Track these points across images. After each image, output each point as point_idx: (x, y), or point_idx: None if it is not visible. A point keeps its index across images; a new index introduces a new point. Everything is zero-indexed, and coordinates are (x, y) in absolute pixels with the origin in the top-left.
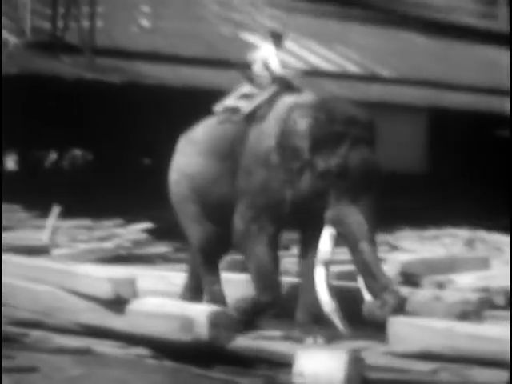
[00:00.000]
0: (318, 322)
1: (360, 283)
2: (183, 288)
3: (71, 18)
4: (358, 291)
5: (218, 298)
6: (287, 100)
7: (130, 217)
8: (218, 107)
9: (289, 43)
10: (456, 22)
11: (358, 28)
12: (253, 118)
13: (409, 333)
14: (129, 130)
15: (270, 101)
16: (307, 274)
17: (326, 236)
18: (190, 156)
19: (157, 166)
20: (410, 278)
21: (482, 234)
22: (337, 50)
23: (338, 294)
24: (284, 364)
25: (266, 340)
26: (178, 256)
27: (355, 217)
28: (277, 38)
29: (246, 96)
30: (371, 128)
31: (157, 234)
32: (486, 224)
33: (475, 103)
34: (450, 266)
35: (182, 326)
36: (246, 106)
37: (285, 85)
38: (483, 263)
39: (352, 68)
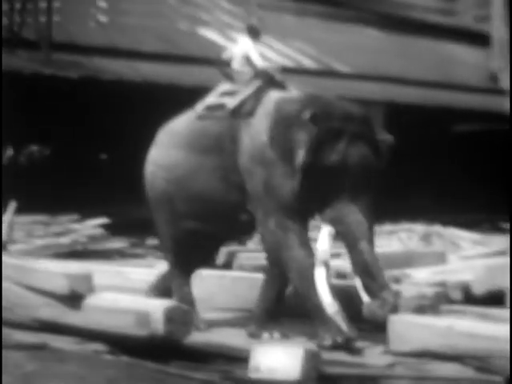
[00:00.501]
0: (274, 317)
1: (357, 283)
2: (151, 286)
3: (28, 13)
4: (348, 289)
5: (188, 300)
6: (275, 95)
7: (87, 212)
8: (199, 106)
9: (245, 39)
10: (414, 17)
11: (315, 23)
12: (239, 114)
13: (409, 332)
14: (86, 126)
15: (256, 96)
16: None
17: (325, 235)
18: (167, 148)
19: (114, 162)
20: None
21: (438, 228)
22: (293, 45)
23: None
24: (240, 359)
25: (222, 335)
26: (134, 251)
27: (355, 216)
28: (254, 33)
29: (227, 94)
30: (368, 124)
31: (113, 230)
32: (443, 219)
33: (432, 98)
34: (407, 260)
35: (138, 321)
36: (230, 102)
37: (268, 79)
38: (439, 258)
39: (308, 63)
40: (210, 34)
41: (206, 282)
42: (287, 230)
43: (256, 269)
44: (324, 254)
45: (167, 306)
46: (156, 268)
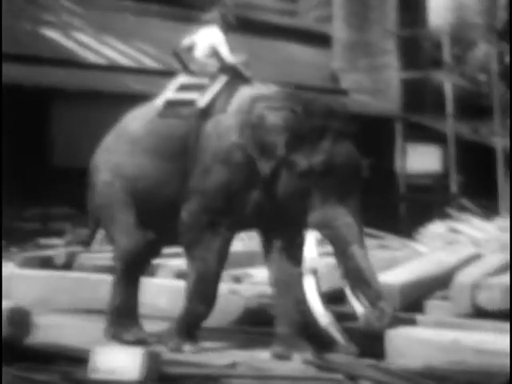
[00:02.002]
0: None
1: (347, 291)
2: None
3: None
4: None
5: (131, 307)
6: (247, 91)
7: None
8: (159, 101)
9: (87, 38)
10: (255, 18)
11: (156, 23)
12: (207, 111)
13: (409, 347)
14: None
15: (228, 92)
16: (288, 284)
17: (311, 242)
18: (127, 155)
19: None
20: None
21: None
22: (134, 45)
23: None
24: (81, 360)
25: (63, 336)
26: None
27: (344, 219)
28: (228, 25)
29: (187, 87)
30: (350, 121)
31: None
32: None
33: None
34: (248, 260)
35: None
36: (200, 99)
37: (236, 74)
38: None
39: (149, 62)
40: (52, 34)
41: (46, 283)
42: (217, 234)
43: (97, 269)
44: (312, 261)
45: (8, 307)
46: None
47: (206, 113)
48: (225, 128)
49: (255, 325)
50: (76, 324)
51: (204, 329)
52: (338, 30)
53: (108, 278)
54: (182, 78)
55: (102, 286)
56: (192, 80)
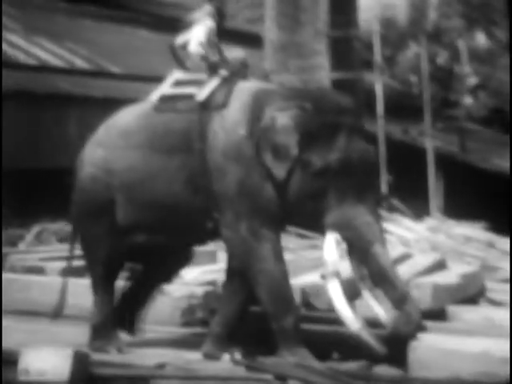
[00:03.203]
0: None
1: (367, 295)
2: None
3: None
4: None
5: (110, 319)
6: (248, 85)
7: None
8: (153, 97)
9: (17, 39)
10: (184, 18)
11: (87, 24)
12: (210, 106)
13: (433, 358)
14: None
15: (227, 86)
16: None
17: (331, 243)
18: (116, 149)
19: None
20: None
21: None
22: (65, 46)
23: None
24: (11, 362)
25: None
26: None
27: (363, 217)
28: (221, 16)
29: (182, 83)
30: (360, 116)
31: None
32: None
33: None
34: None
35: None
36: (199, 93)
37: (234, 69)
38: (211, 257)
39: (80, 63)
40: None
41: None
42: (261, 238)
43: (27, 270)
44: (334, 264)
45: None
46: None
47: (205, 107)
48: (231, 123)
49: (185, 325)
50: (6, 325)
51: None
52: (269, 31)
53: (39, 279)
54: (178, 74)
55: (32, 287)
56: (188, 76)
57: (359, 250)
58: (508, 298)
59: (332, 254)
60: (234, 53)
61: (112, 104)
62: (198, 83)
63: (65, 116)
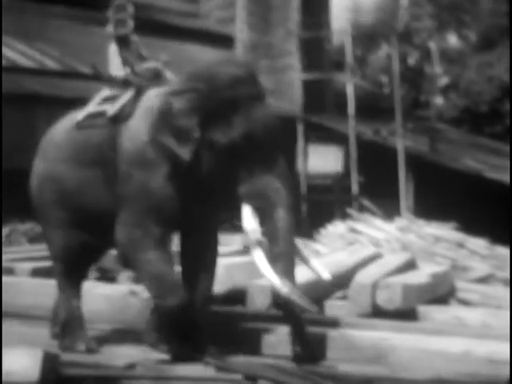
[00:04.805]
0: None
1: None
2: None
3: None
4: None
5: (76, 316)
6: (152, 92)
7: None
8: (81, 115)
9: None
10: (157, 19)
11: (58, 24)
12: (118, 120)
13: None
14: None
15: (135, 97)
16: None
17: (248, 213)
18: (53, 162)
19: None
20: (106, 273)
21: None
22: (35, 46)
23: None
24: None
25: None
26: None
27: (272, 185)
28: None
29: (107, 99)
30: (258, 82)
31: None
32: None
33: None
34: None
35: None
36: (110, 109)
37: (150, 78)
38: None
39: (51, 64)
40: None
41: None
42: (147, 233)
43: None
44: (255, 233)
45: None
46: None
47: (115, 121)
48: (134, 131)
49: None
50: None
51: (102, 329)
52: (240, 32)
53: (9, 280)
54: (105, 92)
55: (3, 288)
56: (111, 93)
57: (265, 215)
58: (478, 297)
59: (250, 223)
60: (146, 64)
61: (82, 104)
62: (115, 99)
63: (33, 116)
